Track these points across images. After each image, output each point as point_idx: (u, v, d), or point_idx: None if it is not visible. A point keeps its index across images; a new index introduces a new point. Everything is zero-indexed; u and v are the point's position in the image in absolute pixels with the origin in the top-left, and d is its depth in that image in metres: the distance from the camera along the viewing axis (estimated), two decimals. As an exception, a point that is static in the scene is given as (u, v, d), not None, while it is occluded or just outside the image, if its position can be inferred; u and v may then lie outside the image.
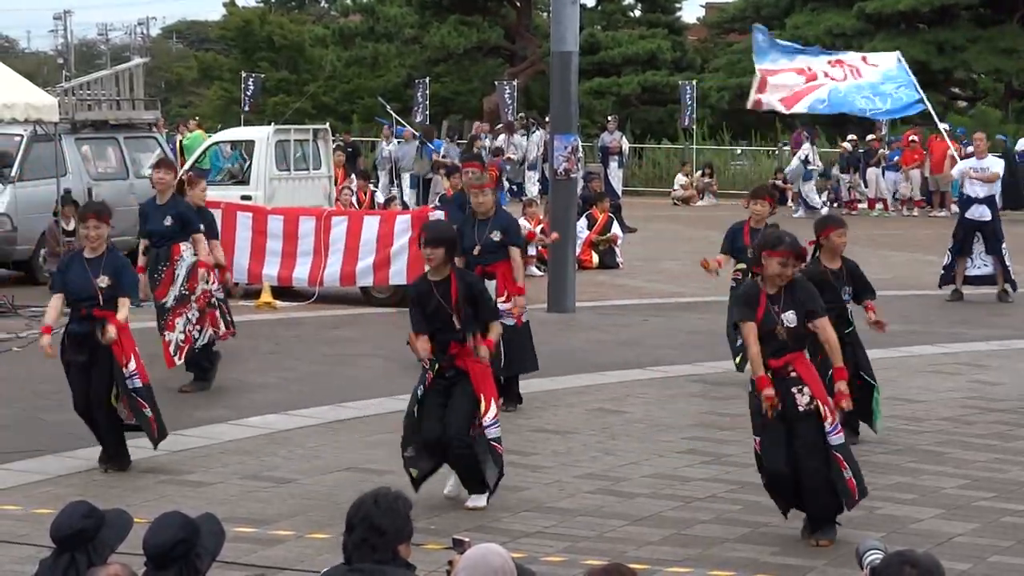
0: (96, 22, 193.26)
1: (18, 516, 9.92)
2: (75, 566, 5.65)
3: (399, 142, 37.06)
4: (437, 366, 10.47)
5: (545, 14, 52.83)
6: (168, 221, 14.84)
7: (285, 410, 13.69)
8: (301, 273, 20.60)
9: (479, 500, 10.59)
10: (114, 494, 10.33)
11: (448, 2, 53.71)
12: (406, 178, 35.95)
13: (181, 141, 38.01)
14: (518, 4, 55.10)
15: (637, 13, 59.16)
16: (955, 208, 36.79)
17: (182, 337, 14.69)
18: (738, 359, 14.29)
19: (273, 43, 58.18)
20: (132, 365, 11.51)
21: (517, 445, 12.39)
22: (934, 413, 13.96)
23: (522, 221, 25.36)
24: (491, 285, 13.77)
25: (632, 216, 32.21)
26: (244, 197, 23.07)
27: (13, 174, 22.03)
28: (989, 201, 21.99)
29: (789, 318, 9.76)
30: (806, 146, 40.16)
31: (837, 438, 9.74)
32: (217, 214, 20.67)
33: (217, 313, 15.10)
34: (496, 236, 13.85)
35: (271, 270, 20.68)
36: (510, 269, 13.94)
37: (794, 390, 9.70)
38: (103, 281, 11.41)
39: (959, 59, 48.60)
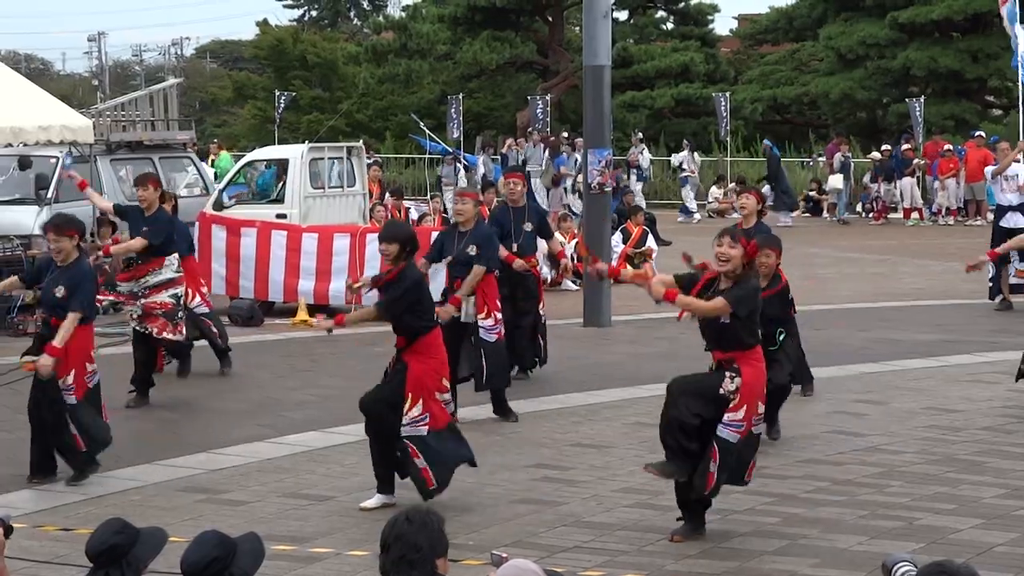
0: (130, 43, 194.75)
1: (58, 537, 9.95)
2: (109, 583, 5.67)
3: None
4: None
5: (577, 28, 52.85)
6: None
7: (323, 428, 13.70)
8: (337, 290, 20.63)
9: (370, 500, 10.81)
10: (152, 513, 10.36)
11: (480, 18, 53.82)
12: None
13: (213, 162, 38.15)
14: (550, 19, 55.19)
15: (669, 26, 59.19)
16: (991, 216, 36.84)
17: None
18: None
19: (306, 61, 58.43)
20: (70, 378, 11.49)
21: (554, 459, 12.40)
22: (973, 423, 13.90)
23: (556, 235, 25.39)
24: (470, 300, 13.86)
25: (667, 229, 32.19)
26: (279, 216, 23.12)
27: (50, 196, 22.10)
28: (1023, 208, 21.92)
29: None
30: (683, 154, 40.47)
31: (728, 434, 9.74)
32: (252, 232, 20.93)
33: (173, 324, 15.09)
34: (471, 250, 13.86)
35: (307, 288, 20.72)
36: (489, 284, 14.05)
37: (728, 374, 9.77)
38: (59, 291, 11.48)
39: (993, 67, 48.34)
